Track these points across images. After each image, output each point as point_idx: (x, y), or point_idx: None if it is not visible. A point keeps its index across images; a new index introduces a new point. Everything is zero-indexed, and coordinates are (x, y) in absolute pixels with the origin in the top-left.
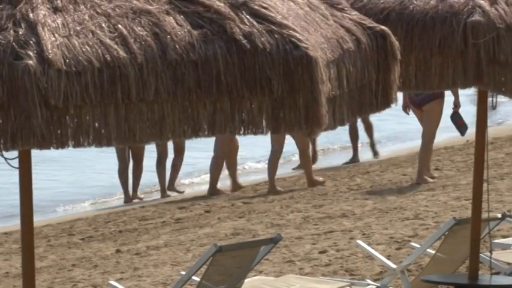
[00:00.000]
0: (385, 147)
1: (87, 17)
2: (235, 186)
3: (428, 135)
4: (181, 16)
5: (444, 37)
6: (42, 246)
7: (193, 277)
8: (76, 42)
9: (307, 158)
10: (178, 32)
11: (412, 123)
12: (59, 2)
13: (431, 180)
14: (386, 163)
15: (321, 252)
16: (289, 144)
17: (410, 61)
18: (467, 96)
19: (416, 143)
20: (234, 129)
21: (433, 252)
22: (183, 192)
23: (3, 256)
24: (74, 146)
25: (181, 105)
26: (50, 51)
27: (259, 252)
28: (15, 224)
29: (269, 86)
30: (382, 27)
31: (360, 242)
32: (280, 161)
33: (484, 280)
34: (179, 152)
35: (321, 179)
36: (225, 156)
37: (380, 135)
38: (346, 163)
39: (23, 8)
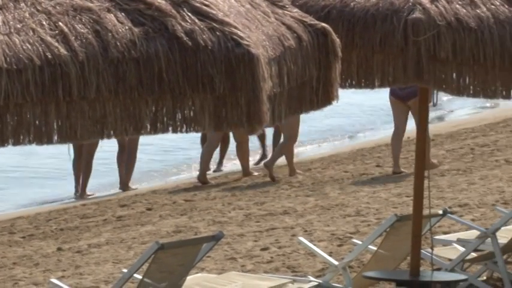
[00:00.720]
0: (327, 143)
1: (27, 15)
2: (246, 173)
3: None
4: (123, 14)
5: (385, 35)
6: None
7: (135, 275)
8: (17, 40)
9: (244, 150)
10: (120, 30)
11: (353, 119)
12: None
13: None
14: (327, 160)
15: (263, 250)
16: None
17: (352, 59)
18: None
19: (357, 140)
20: (176, 127)
21: (375, 248)
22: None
23: None
24: (14, 144)
25: (123, 103)
26: None
27: (201, 250)
28: None
29: (211, 84)
30: (323, 24)
31: (301, 238)
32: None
33: (426, 276)
34: (128, 149)
35: (256, 173)
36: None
37: (322, 132)
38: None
39: None
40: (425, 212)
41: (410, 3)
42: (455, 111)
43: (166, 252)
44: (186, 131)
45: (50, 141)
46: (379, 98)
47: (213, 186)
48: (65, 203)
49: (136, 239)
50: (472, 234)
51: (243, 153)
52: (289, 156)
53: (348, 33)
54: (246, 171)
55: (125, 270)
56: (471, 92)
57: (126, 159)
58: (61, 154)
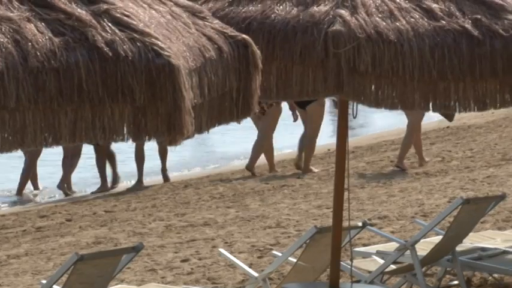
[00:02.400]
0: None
1: None
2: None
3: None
4: (43, 23)
5: (305, 46)
6: None
7: (54, 286)
8: None
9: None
10: (40, 40)
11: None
12: None
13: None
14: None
15: (183, 261)
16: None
17: (272, 70)
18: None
19: (278, 153)
20: (95, 137)
21: (295, 260)
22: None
23: None
24: None
25: (43, 113)
26: None
27: (121, 261)
28: None
29: (131, 94)
30: (244, 36)
31: (222, 250)
32: None
33: None
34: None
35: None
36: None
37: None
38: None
39: None
40: (345, 224)
41: (330, 16)
42: (376, 123)
43: (86, 263)
44: (105, 141)
45: None
46: None
47: (134, 197)
48: None
49: (55, 250)
50: (392, 246)
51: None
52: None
53: (268, 44)
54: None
55: (44, 282)
56: (390, 104)
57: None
58: None
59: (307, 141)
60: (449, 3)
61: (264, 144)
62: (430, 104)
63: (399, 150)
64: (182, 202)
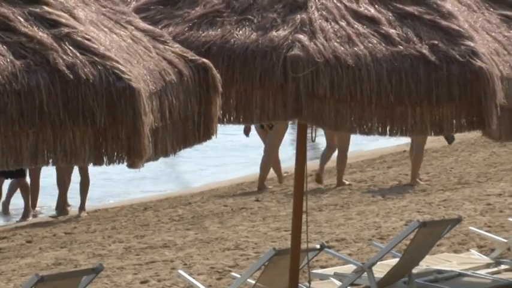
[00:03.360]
0: (207, 177)
1: None
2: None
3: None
4: (4, 46)
5: (264, 71)
6: None
7: None
8: None
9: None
10: (1, 62)
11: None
12: None
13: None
14: (208, 194)
15: (142, 283)
16: None
17: (232, 94)
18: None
19: (237, 174)
20: (56, 160)
21: (254, 282)
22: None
23: None
24: None
25: (4, 135)
26: None
27: (80, 282)
28: None
29: (92, 117)
30: (204, 60)
31: (181, 272)
32: None
33: None
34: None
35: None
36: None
37: (203, 166)
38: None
39: None
40: (303, 246)
41: (289, 41)
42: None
43: (46, 284)
44: (66, 164)
45: None
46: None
47: (93, 219)
48: None
49: (16, 271)
50: (349, 268)
51: (274, 163)
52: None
53: (228, 68)
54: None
55: None
56: (348, 128)
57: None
58: None
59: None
60: (407, 29)
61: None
62: (388, 128)
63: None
64: (141, 224)
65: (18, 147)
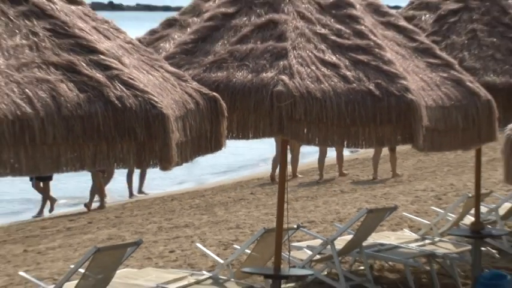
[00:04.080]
0: (216, 177)
1: (3, 83)
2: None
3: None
4: (71, 83)
5: (257, 101)
6: None
7: (80, 269)
8: None
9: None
10: (69, 95)
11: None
12: None
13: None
14: (216, 189)
15: (170, 252)
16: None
17: (233, 118)
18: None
19: (237, 175)
20: (109, 164)
21: (249, 251)
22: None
23: None
24: None
25: (72, 147)
26: None
27: (126, 252)
28: None
29: (135, 134)
30: (214, 94)
31: (198, 244)
32: None
33: (284, 271)
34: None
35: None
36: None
37: (213, 169)
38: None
39: None
40: (285, 226)
41: (275, 80)
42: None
43: (102, 253)
44: (117, 168)
45: (21, 174)
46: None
47: (135, 207)
48: (31, 218)
49: (80, 244)
50: (317, 242)
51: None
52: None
53: (231, 100)
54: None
55: (72, 266)
56: (317, 142)
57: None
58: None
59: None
60: (359, 71)
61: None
62: (345, 142)
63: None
64: (169, 210)
65: (82, 156)
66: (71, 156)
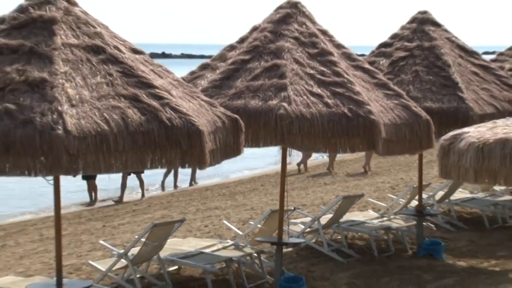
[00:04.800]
0: (237, 173)
1: (88, 109)
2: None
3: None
4: (135, 109)
5: (266, 121)
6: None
7: (142, 239)
8: (83, 121)
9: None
10: (134, 117)
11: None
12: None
13: None
14: (237, 182)
15: (205, 226)
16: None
17: (249, 132)
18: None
19: (252, 172)
20: (162, 166)
21: (260, 226)
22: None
23: None
24: (84, 173)
25: (136, 154)
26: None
27: (174, 226)
28: None
29: (180, 144)
30: (235, 115)
31: (224, 221)
32: None
33: (285, 240)
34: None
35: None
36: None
37: (236, 168)
38: None
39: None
40: (285, 208)
41: (278, 106)
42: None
43: (158, 227)
44: (167, 168)
45: (100, 172)
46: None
47: (180, 195)
48: (106, 203)
49: (142, 221)
50: (308, 219)
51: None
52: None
53: (247, 120)
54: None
55: (136, 237)
56: (308, 149)
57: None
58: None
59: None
60: (337, 100)
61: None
62: (327, 149)
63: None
64: (204, 197)
65: (143, 160)
66: (135, 160)
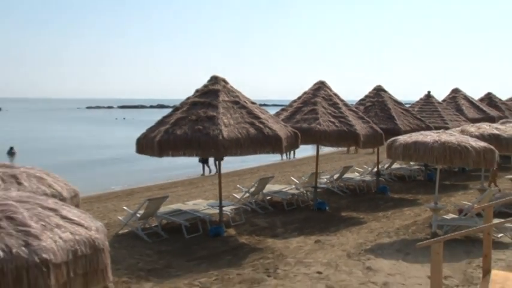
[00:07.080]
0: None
1: (232, 127)
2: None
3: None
4: (252, 127)
5: (307, 133)
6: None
7: (139, 211)
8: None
9: None
10: (251, 131)
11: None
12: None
13: None
14: (254, 170)
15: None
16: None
17: (305, 140)
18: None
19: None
20: (267, 152)
21: (306, 179)
22: None
23: None
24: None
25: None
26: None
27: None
28: None
29: (270, 143)
30: (295, 130)
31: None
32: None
33: (318, 185)
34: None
35: None
36: None
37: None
38: None
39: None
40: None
41: (315, 124)
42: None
43: (151, 201)
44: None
45: (240, 155)
46: None
47: (215, 178)
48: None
49: (197, 190)
50: (327, 176)
51: None
52: None
53: (302, 133)
54: None
55: (135, 209)
56: (324, 145)
57: None
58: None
59: None
60: (341, 124)
61: None
62: (339, 146)
63: None
64: (243, 178)
65: (255, 150)
66: (251, 151)
